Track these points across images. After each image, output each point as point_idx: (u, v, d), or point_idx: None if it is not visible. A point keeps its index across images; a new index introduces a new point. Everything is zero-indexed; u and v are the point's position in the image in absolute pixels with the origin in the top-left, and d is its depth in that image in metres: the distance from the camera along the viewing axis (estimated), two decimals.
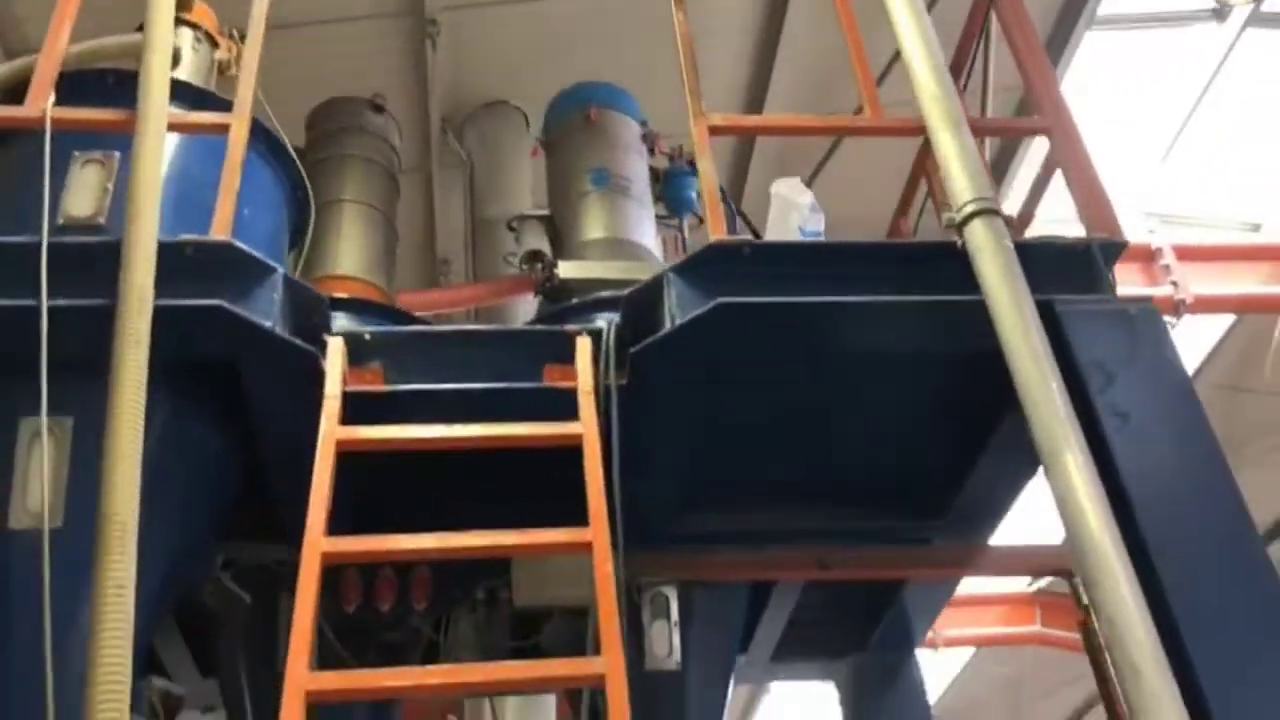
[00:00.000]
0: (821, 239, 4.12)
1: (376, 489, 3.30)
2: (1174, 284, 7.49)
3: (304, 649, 2.37)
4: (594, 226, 4.71)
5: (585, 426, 2.91)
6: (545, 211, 4.94)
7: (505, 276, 5.65)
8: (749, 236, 3.32)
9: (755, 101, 7.43)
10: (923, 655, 9.14)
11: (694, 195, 5.18)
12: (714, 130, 3.34)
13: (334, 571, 3.50)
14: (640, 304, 3.19)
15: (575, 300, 4.15)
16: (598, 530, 2.66)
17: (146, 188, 2.83)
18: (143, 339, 2.63)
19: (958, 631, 9.95)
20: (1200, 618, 2.49)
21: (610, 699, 2.36)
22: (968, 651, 10.66)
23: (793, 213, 4.33)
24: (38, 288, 2.76)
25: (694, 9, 3.87)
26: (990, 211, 2.96)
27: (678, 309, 3.03)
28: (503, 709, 5.23)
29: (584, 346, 3.16)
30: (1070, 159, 3.33)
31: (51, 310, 2.75)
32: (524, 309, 6.06)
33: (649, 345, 3.04)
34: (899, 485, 3.74)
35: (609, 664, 2.41)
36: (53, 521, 2.75)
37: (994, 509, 3.87)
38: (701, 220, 5.11)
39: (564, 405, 3.06)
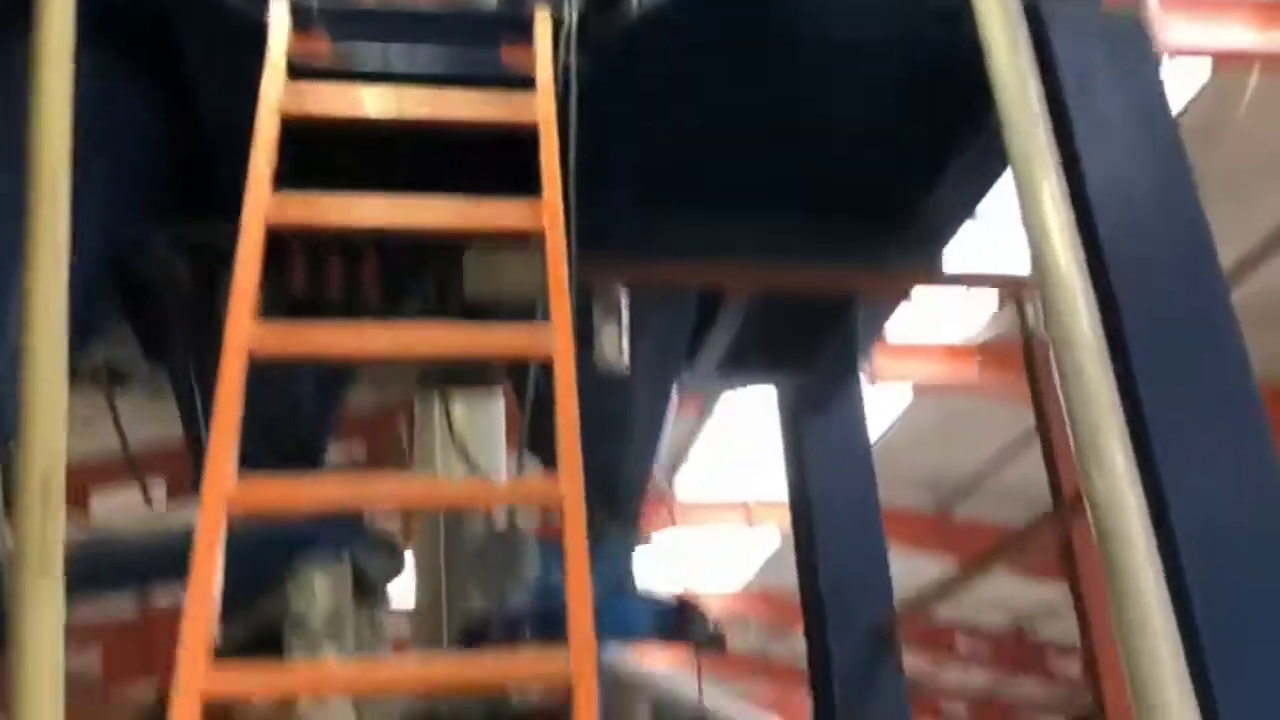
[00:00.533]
0: None
1: (321, 173, 3.19)
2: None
3: (246, 308, 2.32)
4: None
5: (542, 110, 2.79)
6: None
7: None
8: None
9: None
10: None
11: None
12: None
13: (279, 253, 3.43)
14: None
15: None
16: (552, 218, 2.60)
17: None
18: None
19: (900, 368, 10.29)
20: (1149, 325, 2.52)
21: (558, 375, 2.36)
22: (908, 392, 11.05)
23: None
24: None
25: None
26: None
27: None
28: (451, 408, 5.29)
29: (544, 25, 2.99)
30: None
31: None
32: None
33: (613, 27, 2.88)
34: (857, 194, 3.68)
35: (558, 342, 2.40)
36: None
37: (950, 226, 3.85)
38: None
39: (519, 87, 2.92)
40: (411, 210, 2.60)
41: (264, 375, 2.39)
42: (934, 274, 3.94)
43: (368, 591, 3.37)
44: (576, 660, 2.02)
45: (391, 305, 3.70)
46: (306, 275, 3.47)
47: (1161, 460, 2.46)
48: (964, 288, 5.97)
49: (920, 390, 10.99)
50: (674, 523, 15.22)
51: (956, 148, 3.33)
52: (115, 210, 3.02)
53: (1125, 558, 2.11)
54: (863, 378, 4.93)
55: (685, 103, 3.17)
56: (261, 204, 2.42)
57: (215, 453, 2.21)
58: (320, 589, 3.14)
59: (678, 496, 14.96)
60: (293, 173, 2.83)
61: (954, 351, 10.45)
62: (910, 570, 5.97)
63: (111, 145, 2.91)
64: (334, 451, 4.45)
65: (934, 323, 9.92)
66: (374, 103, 2.79)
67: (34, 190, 2.20)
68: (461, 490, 3.67)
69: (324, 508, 2.75)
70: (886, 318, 4.58)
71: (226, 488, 2.14)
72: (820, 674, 4.21)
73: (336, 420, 4.10)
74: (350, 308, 3.61)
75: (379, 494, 2.79)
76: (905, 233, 3.77)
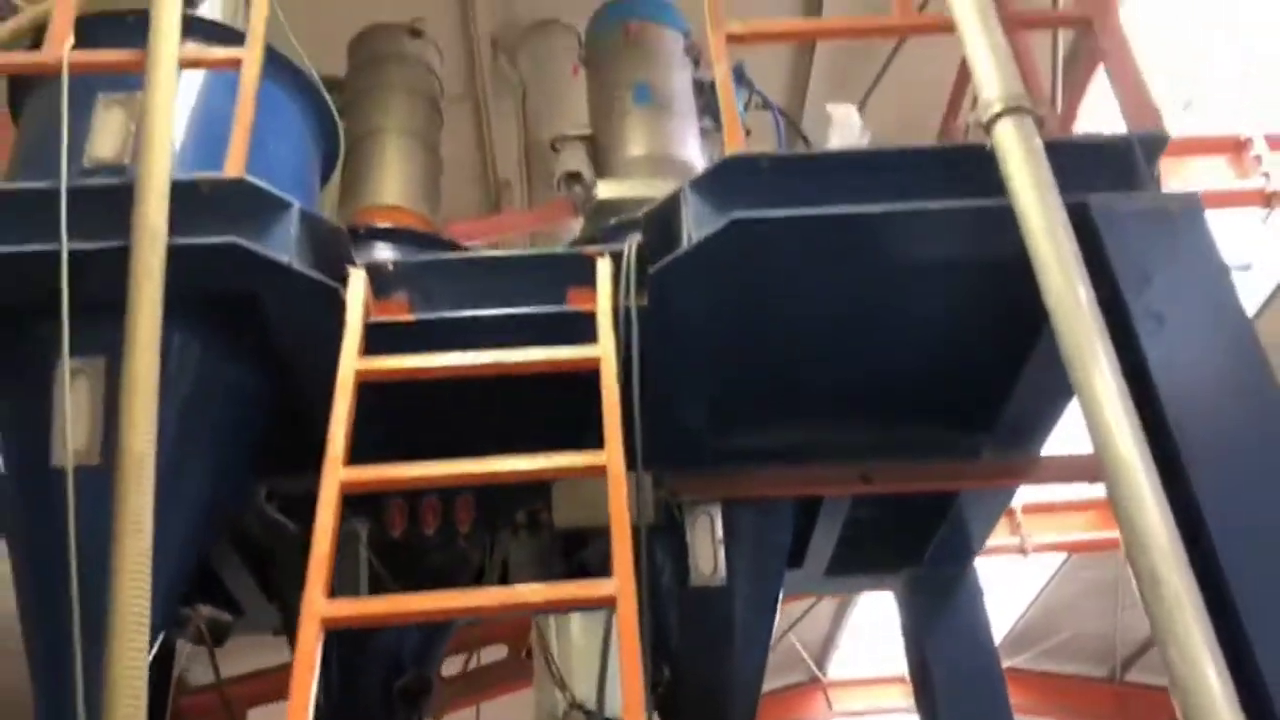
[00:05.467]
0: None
1: (419, 415, 3.34)
2: (1265, 175, 7.15)
3: (321, 577, 2.42)
4: (635, 144, 4.65)
5: (602, 349, 2.89)
6: (587, 131, 4.88)
7: (553, 200, 5.62)
8: (769, 150, 3.18)
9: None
10: (1012, 561, 9.00)
11: (742, 108, 5.07)
12: (731, 38, 3.23)
13: (379, 497, 3.58)
14: (659, 222, 3.14)
15: (614, 221, 4.13)
16: (612, 454, 2.65)
17: (157, 126, 2.85)
18: (155, 274, 2.68)
19: (1048, 538, 9.87)
20: (1230, 525, 2.40)
21: (621, 620, 2.37)
22: (1058, 557, 10.56)
23: (845, 131, 4.22)
24: (59, 231, 2.81)
25: None
26: (1019, 110, 2.81)
27: (694, 226, 2.98)
28: (567, 627, 5.33)
29: (604, 268, 3.13)
30: (1112, 50, 3.14)
31: (75, 254, 2.81)
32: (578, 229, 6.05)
33: (666, 265, 2.99)
34: (943, 396, 3.65)
35: (620, 586, 2.42)
36: (90, 459, 2.85)
37: (1043, 419, 3.76)
38: (749, 133, 5.03)
39: (587, 328, 3.05)
40: (482, 465, 2.69)
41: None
42: (1030, 467, 3.83)
43: None
44: None
45: (486, 538, 3.80)
46: (404, 515, 3.60)
47: (1262, 663, 2.30)
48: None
49: (1077, 549, 10.50)
50: (830, 708, 14.67)
51: (1032, 348, 3.29)
52: (220, 467, 3.21)
53: None
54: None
55: (750, 323, 3.23)
56: (336, 477, 2.55)
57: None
58: None
59: (830, 677, 14.44)
60: (382, 412, 2.98)
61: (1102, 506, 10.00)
62: None
63: (212, 410, 3.13)
64: None
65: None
66: (447, 358, 2.93)
67: (120, 478, 2.37)
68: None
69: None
70: (999, 505, 4.46)
71: None
72: None
73: (441, 650, 4.16)
74: (447, 542, 3.73)
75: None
76: (996, 429, 3.70)
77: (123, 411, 2.51)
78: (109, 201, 2.89)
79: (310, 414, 3.35)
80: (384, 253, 4.32)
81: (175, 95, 2.96)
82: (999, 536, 8.36)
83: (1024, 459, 3.88)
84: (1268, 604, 2.35)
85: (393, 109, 4.91)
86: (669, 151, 4.63)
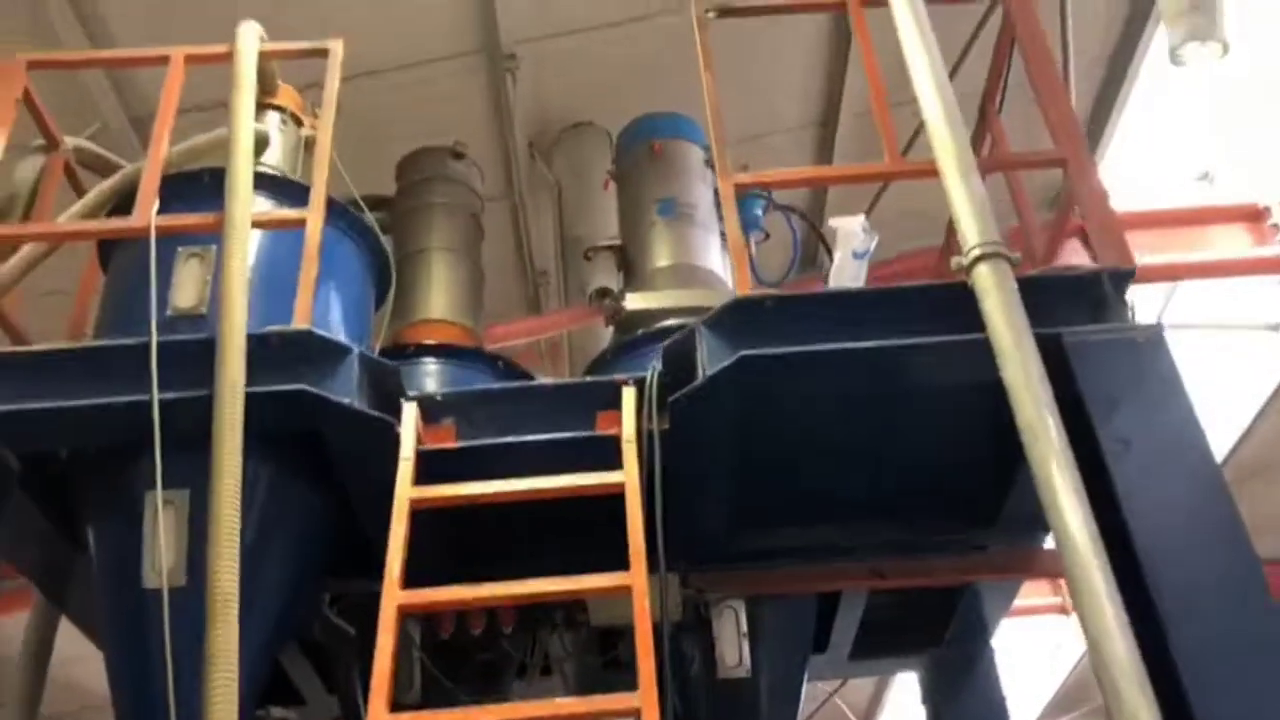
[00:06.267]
0: (866, 262, 4.34)
1: (470, 528, 3.69)
2: None
3: (382, 691, 2.76)
4: (661, 255, 5.03)
5: (626, 475, 3.23)
6: (617, 241, 5.26)
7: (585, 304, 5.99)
8: (772, 290, 3.53)
9: (835, 91, 7.61)
10: (1057, 621, 9.04)
11: (759, 214, 5.43)
12: (739, 186, 3.60)
13: None
14: (678, 355, 3.49)
15: (641, 332, 4.49)
16: (636, 573, 2.98)
17: (235, 289, 3.25)
18: (237, 425, 3.06)
19: None
20: (1195, 650, 2.66)
21: None
22: None
23: (851, 240, 4.57)
24: (151, 382, 3.21)
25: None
26: (995, 255, 3.14)
27: (708, 361, 3.32)
28: None
29: (629, 396, 3.48)
30: (1083, 188, 3.47)
31: (164, 402, 3.20)
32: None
33: (682, 396, 3.34)
34: (946, 497, 3.94)
35: (644, 699, 2.74)
36: (177, 581, 3.22)
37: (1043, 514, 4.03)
38: (767, 237, 5.39)
39: (615, 450, 3.39)
40: (524, 587, 3.02)
41: None
42: (1034, 559, 4.10)
43: None
44: None
45: (528, 636, 4.14)
46: (453, 619, 3.94)
47: None
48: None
49: None
50: None
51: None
52: (291, 580, 3.57)
53: None
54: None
55: (763, 442, 3.56)
56: (395, 600, 2.89)
57: None
58: None
59: None
60: (432, 522, 3.32)
61: None
62: None
63: (283, 531, 3.50)
64: None
65: None
66: (490, 486, 3.28)
67: (210, 614, 2.74)
68: None
69: None
70: (1011, 591, 4.72)
71: None
72: None
73: None
74: (492, 641, 4.07)
75: None
76: (1000, 524, 3.98)
77: (211, 555, 2.88)
78: (192, 353, 3.28)
79: (363, 525, 3.73)
80: (430, 367, 4.72)
81: (249, 257, 3.35)
82: (1040, 597, 8.49)
83: (1028, 551, 4.15)
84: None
85: (437, 227, 5.34)
86: (693, 261, 5.01)
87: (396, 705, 2.87)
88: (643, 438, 3.41)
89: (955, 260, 3.23)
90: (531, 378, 4.89)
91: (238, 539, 2.92)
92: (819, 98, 7.69)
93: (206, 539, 3.04)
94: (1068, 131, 3.59)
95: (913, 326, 3.28)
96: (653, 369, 3.59)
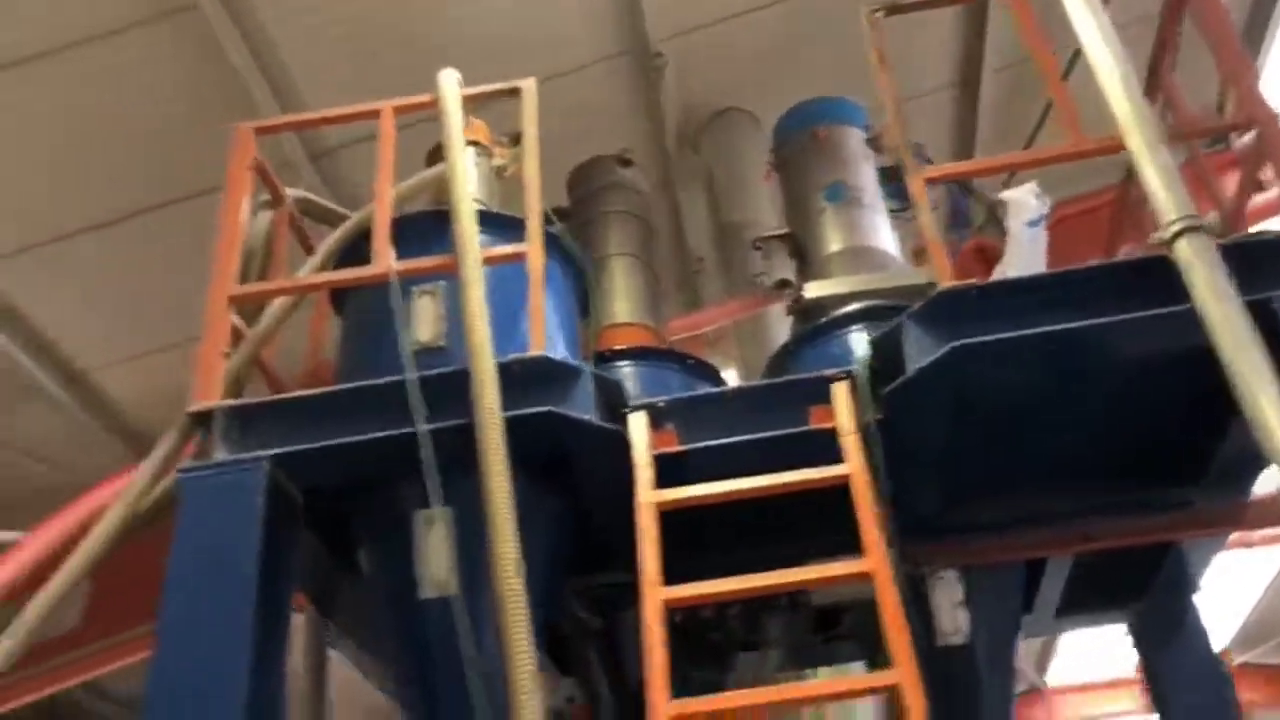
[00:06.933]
0: (1043, 237, 4.43)
1: (684, 524, 3.97)
2: None
3: (661, 682, 3.04)
4: (834, 240, 5.18)
5: (852, 467, 3.45)
6: (785, 230, 5.43)
7: (757, 292, 6.20)
8: (976, 280, 3.67)
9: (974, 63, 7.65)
10: (1238, 555, 8.85)
11: (964, 210, 5.51)
12: (930, 180, 3.75)
13: None
14: (886, 347, 3.68)
15: (824, 319, 4.68)
16: (877, 560, 3.20)
17: (477, 323, 3.55)
18: (499, 446, 3.37)
19: (1275, 530, 9.79)
20: None
21: (908, 705, 2.90)
22: None
23: (1023, 211, 4.66)
24: (411, 416, 3.55)
25: None
26: (1194, 228, 3.24)
27: (917, 353, 3.51)
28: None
29: (840, 391, 3.68)
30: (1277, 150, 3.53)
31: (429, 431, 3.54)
32: (776, 310, 6.59)
33: (895, 389, 3.54)
34: (1155, 457, 4.04)
35: (902, 674, 2.96)
36: (451, 590, 3.58)
37: (1250, 467, 4.12)
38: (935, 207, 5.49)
39: (828, 443, 3.61)
40: (775, 578, 3.27)
41: None
42: (1240, 513, 4.18)
43: None
44: None
45: (754, 618, 4.42)
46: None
47: None
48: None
49: None
50: (1052, 715, 14.66)
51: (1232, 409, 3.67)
52: (544, 579, 3.91)
53: None
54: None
55: (975, 424, 3.73)
56: (658, 597, 3.18)
57: None
58: None
59: (1050, 686, 14.46)
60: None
61: None
62: None
63: (539, 538, 3.81)
64: None
65: None
66: (724, 486, 3.54)
67: (505, 613, 3.07)
68: None
69: None
70: (1216, 545, 4.78)
71: None
72: None
73: None
74: (721, 623, 4.36)
75: None
76: (1204, 483, 4.07)
77: (495, 562, 3.20)
78: (445, 384, 3.62)
79: (598, 525, 4.03)
80: (626, 370, 5.00)
81: (484, 292, 3.66)
82: None
83: (1234, 505, 4.23)
84: None
85: (614, 235, 5.62)
86: (865, 243, 5.16)
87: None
88: (860, 428, 3.62)
89: (1155, 236, 3.34)
90: (717, 371, 5.12)
91: (517, 545, 3.22)
92: (957, 61, 7.74)
93: (470, 549, 3.40)
94: (1252, 94, 3.64)
95: (1112, 302, 3.41)
96: (860, 363, 3.79)
